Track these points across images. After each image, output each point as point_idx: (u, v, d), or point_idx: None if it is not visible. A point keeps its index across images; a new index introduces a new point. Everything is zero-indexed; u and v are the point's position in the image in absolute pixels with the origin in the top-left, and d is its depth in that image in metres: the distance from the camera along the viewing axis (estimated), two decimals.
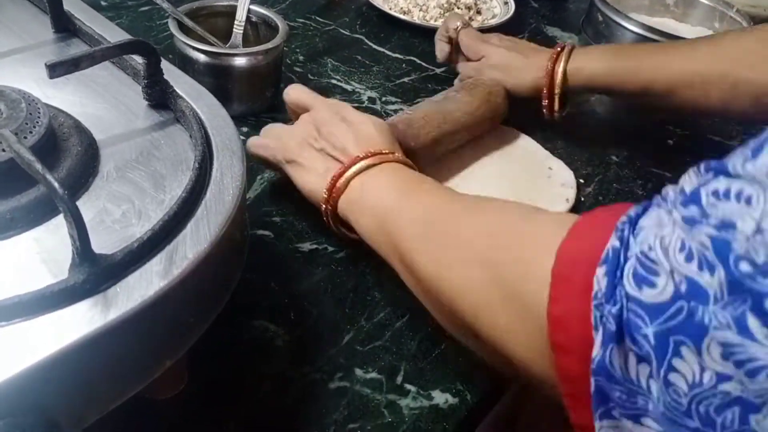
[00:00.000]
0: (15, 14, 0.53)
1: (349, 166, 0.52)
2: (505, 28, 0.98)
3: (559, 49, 0.71)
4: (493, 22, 0.99)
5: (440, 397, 0.48)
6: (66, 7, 0.51)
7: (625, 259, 0.29)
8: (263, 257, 0.56)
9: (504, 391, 0.54)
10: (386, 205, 0.49)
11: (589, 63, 0.70)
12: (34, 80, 0.45)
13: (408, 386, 0.48)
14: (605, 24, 0.95)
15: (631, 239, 0.29)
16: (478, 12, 1.00)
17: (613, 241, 0.30)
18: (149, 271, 0.34)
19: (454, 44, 0.78)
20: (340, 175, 0.52)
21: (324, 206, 0.53)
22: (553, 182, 0.70)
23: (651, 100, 0.69)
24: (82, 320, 0.31)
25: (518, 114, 0.75)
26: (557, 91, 0.71)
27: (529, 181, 0.69)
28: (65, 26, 0.52)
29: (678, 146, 0.82)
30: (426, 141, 0.63)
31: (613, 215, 0.32)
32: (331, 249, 0.58)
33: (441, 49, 0.80)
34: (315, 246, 0.58)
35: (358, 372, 0.48)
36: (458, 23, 0.77)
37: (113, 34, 0.50)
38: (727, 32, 0.71)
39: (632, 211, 0.31)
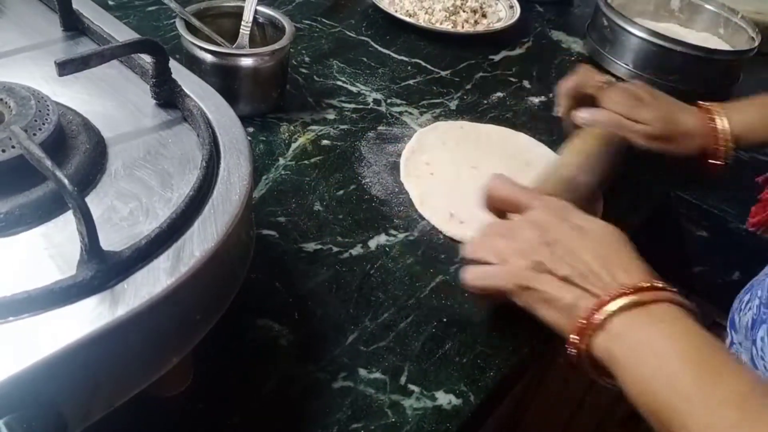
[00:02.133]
0: (24, 12, 0.53)
1: (609, 300, 0.43)
2: (510, 33, 0.99)
3: (710, 111, 0.70)
4: (498, 26, 0.99)
5: (444, 398, 0.48)
6: (75, 5, 0.52)
7: None
8: (268, 257, 0.56)
9: (507, 392, 0.54)
10: (670, 382, 0.39)
11: (749, 125, 0.70)
12: (43, 78, 0.45)
13: (412, 387, 0.48)
14: (610, 29, 0.95)
15: None
16: (484, 15, 1.01)
17: None
18: (157, 268, 0.34)
19: (580, 98, 0.71)
20: (597, 309, 0.43)
21: (576, 345, 0.44)
22: None
23: None
24: (89, 316, 0.31)
25: (527, 119, 0.75)
26: (725, 156, 0.70)
27: None
28: (74, 25, 0.52)
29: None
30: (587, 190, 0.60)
31: None
32: (335, 249, 0.58)
33: (567, 106, 0.71)
34: (320, 246, 0.58)
35: (362, 372, 0.48)
36: (599, 79, 0.71)
37: (122, 33, 0.50)
38: None
39: None
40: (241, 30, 0.72)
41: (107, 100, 0.46)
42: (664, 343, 0.41)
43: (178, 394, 0.44)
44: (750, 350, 0.56)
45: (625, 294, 0.43)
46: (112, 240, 0.35)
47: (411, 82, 0.84)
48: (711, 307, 0.86)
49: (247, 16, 0.72)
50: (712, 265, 0.80)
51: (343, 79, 0.82)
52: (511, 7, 1.04)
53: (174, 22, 0.71)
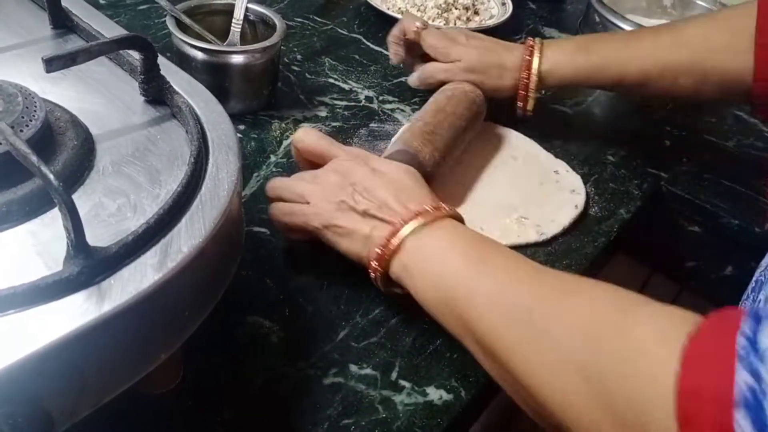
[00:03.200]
0: (13, 10, 0.53)
1: (401, 226, 0.48)
2: (503, 29, 0.98)
3: (530, 48, 0.71)
4: (491, 22, 0.99)
5: (435, 394, 0.48)
6: (64, 3, 0.51)
7: (763, 395, 0.27)
8: (259, 254, 0.56)
9: (499, 387, 0.54)
10: (453, 274, 0.45)
11: (560, 64, 0.70)
12: (31, 76, 0.45)
13: (403, 382, 0.48)
14: (602, 25, 0.95)
15: (761, 368, 0.27)
16: (476, 12, 1.01)
17: (743, 376, 0.28)
18: (144, 264, 0.34)
19: (409, 46, 0.77)
20: (392, 235, 0.48)
21: (374, 272, 0.49)
22: (561, 187, 0.69)
23: (623, 90, 0.76)
24: (76, 312, 0.31)
25: (512, 113, 0.75)
26: (532, 94, 0.72)
27: (538, 187, 0.69)
28: (63, 23, 0.52)
29: (674, 147, 0.82)
30: (436, 161, 0.62)
31: (724, 335, 0.30)
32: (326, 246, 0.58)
33: (395, 52, 0.78)
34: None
35: (353, 368, 0.48)
36: (417, 24, 0.75)
37: (111, 30, 0.50)
38: (686, 20, 0.71)
39: (745, 327, 0.30)
40: (232, 27, 0.72)
41: (96, 97, 0.46)
42: (445, 246, 0.47)
43: (167, 391, 0.44)
44: None
45: (413, 218, 0.48)
46: (100, 236, 0.35)
47: (403, 79, 0.84)
48: (704, 302, 0.87)
49: (238, 14, 0.72)
50: (704, 260, 0.80)
51: (335, 76, 0.82)
52: (504, 3, 1.04)
53: (165, 20, 0.71)
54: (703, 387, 0.29)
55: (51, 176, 0.31)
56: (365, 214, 0.50)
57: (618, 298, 0.39)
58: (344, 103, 0.77)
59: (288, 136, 0.70)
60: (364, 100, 0.78)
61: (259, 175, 0.64)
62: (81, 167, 0.39)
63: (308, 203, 0.52)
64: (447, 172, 0.67)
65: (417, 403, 0.47)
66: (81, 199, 0.37)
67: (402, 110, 0.78)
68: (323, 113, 0.75)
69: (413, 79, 0.77)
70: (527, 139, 0.76)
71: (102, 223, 0.37)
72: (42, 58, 0.39)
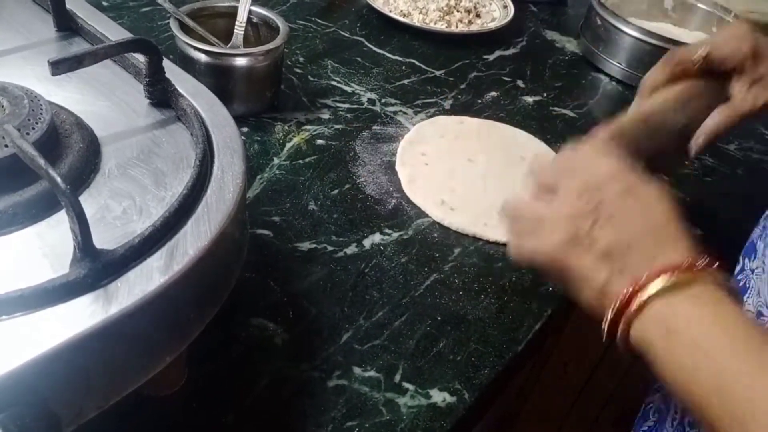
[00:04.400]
0: (18, 13, 0.53)
1: (647, 284, 0.38)
2: (504, 32, 0.99)
3: None
4: (493, 25, 0.99)
5: (438, 396, 0.48)
6: (68, 6, 0.52)
7: None
8: (262, 256, 0.56)
9: (502, 390, 0.54)
10: (717, 370, 0.35)
11: None
12: (37, 78, 0.45)
13: (406, 385, 0.48)
14: (603, 28, 0.95)
15: None
16: (478, 15, 1.01)
17: None
18: (150, 266, 0.34)
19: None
20: (634, 294, 0.38)
21: (619, 327, 0.39)
22: None
23: None
24: (82, 315, 0.31)
25: (521, 119, 0.76)
26: None
27: None
28: (68, 25, 0.52)
29: None
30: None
31: None
32: (330, 248, 0.58)
33: (655, 78, 0.57)
34: (314, 245, 0.58)
35: (357, 370, 0.48)
36: (701, 51, 0.56)
37: (115, 33, 0.50)
38: None
39: None
40: (235, 30, 0.73)
41: (101, 100, 0.46)
42: (701, 324, 0.37)
43: (172, 393, 0.44)
44: None
45: (664, 272, 0.38)
46: (106, 239, 0.35)
47: (405, 81, 0.84)
48: None
49: (241, 16, 0.72)
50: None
51: (337, 79, 0.82)
52: (505, 6, 1.04)
53: (168, 22, 0.71)
54: None
55: (58, 179, 0.32)
56: (603, 253, 0.40)
57: None
58: (347, 105, 0.77)
59: (291, 138, 0.70)
60: (366, 103, 0.78)
61: (262, 178, 0.64)
62: (87, 170, 0.39)
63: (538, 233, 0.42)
64: (461, 167, 0.68)
65: (420, 406, 0.47)
66: (87, 202, 0.37)
67: (404, 113, 0.78)
68: (326, 116, 0.75)
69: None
70: (538, 141, 0.76)
71: (108, 225, 0.37)
72: (48, 61, 0.39)
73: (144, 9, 0.88)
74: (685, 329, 0.37)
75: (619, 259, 0.39)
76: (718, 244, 0.76)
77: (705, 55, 0.55)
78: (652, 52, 0.91)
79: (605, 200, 0.41)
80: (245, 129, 0.70)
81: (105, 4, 0.87)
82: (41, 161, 0.32)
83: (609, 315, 0.39)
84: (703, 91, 0.56)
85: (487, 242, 0.62)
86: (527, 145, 0.76)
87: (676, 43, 0.90)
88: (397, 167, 0.68)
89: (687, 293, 0.37)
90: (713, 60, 0.55)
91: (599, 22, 0.96)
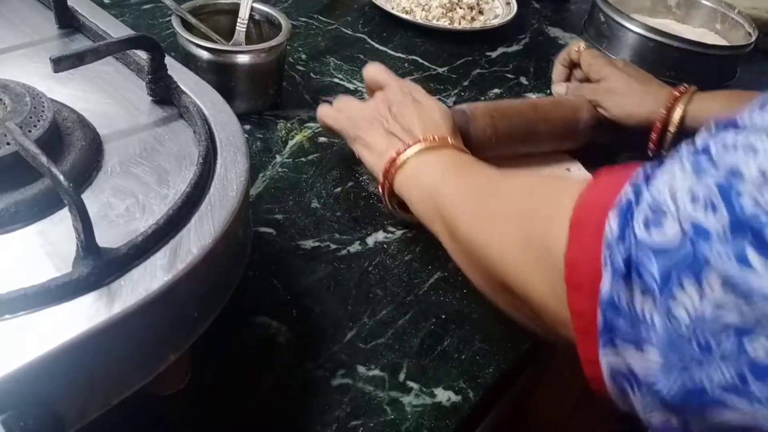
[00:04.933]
0: (19, 10, 0.53)
1: (409, 146, 0.54)
2: (507, 29, 0.98)
3: (682, 90, 0.70)
4: (495, 22, 0.99)
5: (443, 395, 0.48)
6: (70, 3, 0.51)
7: (637, 204, 0.31)
8: (266, 254, 0.56)
9: (507, 388, 0.54)
10: (437, 179, 0.51)
11: (710, 110, 0.69)
12: (39, 75, 0.45)
13: (411, 384, 0.48)
14: (607, 25, 0.95)
15: (644, 188, 0.31)
16: (480, 12, 1.00)
17: (626, 190, 0.32)
18: (153, 265, 0.34)
19: (572, 67, 0.81)
20: (399, 154, 0.54)
21: (381, 183, 0.56)
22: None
23: None
24: (86, 313, 0.31)
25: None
26: (672, 130, 0.70)
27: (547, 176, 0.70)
28: (69, 22, 0.52)
29: None
30: (483, 133, 0.65)
31: (630, 169, 0.34)
32: (333, 246, 0.58)
33: (558, 72, 0.82)
34: (317, 243, 0.57)
35: (361, 369, 0.48)
36: (581, 44, 0.78)
37: (117, 30, 0.50)
38: None
39: (648, 165, 0.33)
40: (237, 27, 0.72)
41: (103, 97, 0.46)
42: (439, 163, 0.53)
43: (175, 392, 0.44)
44: None
45: (420, 141, 0.54)
46: (109, 237, 0.35)
47: (408, 78, 0.84)
48: None
49: (244, 13, 0.72)
50: None
51: (340, 76, 0.82)
52: (508, 3, 1.04)
53: (170, 20, 0.70)
54: (597, 198, 0.34)
55: (61, 176, 0.31)
56: (389, 133, 0.57)
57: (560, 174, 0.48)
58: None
59: (293, 136, 0.70)
60: None
61: (265, 176, 0.64)
62: (89, 167, 0.39)
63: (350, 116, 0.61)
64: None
65: (425, 405, 0.47)
66: (89, 200, 0.37)
67: None
68: None
69: (559, 90, 0.81)
70: None
71: (111, 223, 0.36)
72: (50, 58, 0.39)
73: (146, 6, 0.88)
74: (425, 172, 0.53)
75: (399, 135, 0.56)
76: None
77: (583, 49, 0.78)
78: (655, 48, 0.91)
79: (395, 103, 0.59)
80: (248, 126, 0.70)
81: (107, 1, 0.87)
82: (43, 159, 0.32)
83: (384, 169, 0.55)
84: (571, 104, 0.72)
85: None
86: None
87: (680, 39, 0.90)
88: None
89: (433, 152, 0.54)
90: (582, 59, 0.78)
91: (602, 19, 0.96)
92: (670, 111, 0.70)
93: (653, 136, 0.71)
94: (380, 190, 0.57)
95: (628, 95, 0.72)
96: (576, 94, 0.76)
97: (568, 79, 0.82)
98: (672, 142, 0.70)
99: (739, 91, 0.73)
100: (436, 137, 0.55)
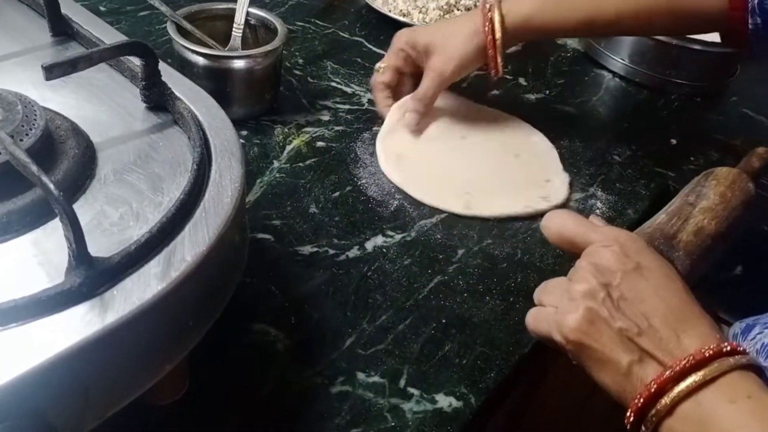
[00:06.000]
0: (13, 18, 0.52)
1: (672, 378, 0.37)
2: None
3: (488, 6, 0.67)
4: None
5: (444, 401, 0.47)
6: (64, 11, 0.51)
7: None
8: (263, 261, 0.55)
9: (509, 393, 0.53)
10: None
11: (527, 14, 0.67)
12: (32, 83, 0.44)
13: (411, 390, 0.47)
14: None
15: None
16: None
17: None
18: (147, 273, 0.33)
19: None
20: (661, 389, 0.37)
21: (633, 423, 0.39)
22: (538, 191, 0.68)
23: (591, 33, 0.78)
24: (78, 324, 0.30)
25: (523, 117, 0.75)
26: (498, 37, 0.67)
27: (522, 187, 0.68)
28: (63, 30, 0.51)
29: (681, 145, 0.81)
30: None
31: None
32: (331, 252, 0.57)
33: (384, 104, 0.73)
34: (315, 249, 0.57)
35: (360, 376, 0.48)
36: (380, 64, 0.73)
37: (112, 37, 0.50)
38: None
39: None
40: (233, 32, 0.72)
41: (97, 105, 0.45)
42: (733, 421, 0.36)
43: (173, 402, 0.43)
44: None
45: (690, 366, 0.37)
46: (102, 246, 0.34)
47: None
48: (713, 303, 0.86)
49: (239, 18, 0.72)
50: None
51: (337, 80, 0.81)
52: None
53: (165, 26, 0.70)
54: None
55: (51, 186, 0.31)
56: (623, 336, 0.39)
57: None
58: (347, 106, 0.76)
59: (291, 141, 0.69)
60: (367, 104, 0.77)
61: (263, 181, 0.63)
62: (82, 176, 0.39)
63: (556, 309, 0.42)
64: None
65: (426, 411, 0.46)
66: (82, 208, 0.37)
67: None
68: (326, 117, 0.74)
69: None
70: (543, 136, 0.76)
71: (104, 232, 0.36)
72: (42, 66, 0.39)
73: (141, 14, 0.87)
74: (712, 425, 0.36)
75: (639, 341, 0.39)
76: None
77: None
78: (654, 47, 0.90)
79: (614, 280, 0.41)
80: (245, 132, 0.69)
81: (102, 9, 0.87)
82: (34, 168, 0.32)
83: (637, 403, 0.38)
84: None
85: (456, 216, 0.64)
86: (526, 134, 0.76)
87: (679, 38, 0.89)
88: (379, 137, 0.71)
89: (718, 387, 0.37)
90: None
91: None
92: (492, 27, 0.67)
93: (491, 62, 0.69)
94: (631, 423, 0.39)
95: (447, 43, 0.68)
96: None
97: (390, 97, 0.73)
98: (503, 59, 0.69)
99: None
100: (707, 351, 0.37)
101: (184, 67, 0.67)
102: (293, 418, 0.45)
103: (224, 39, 0.73)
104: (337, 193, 0.64)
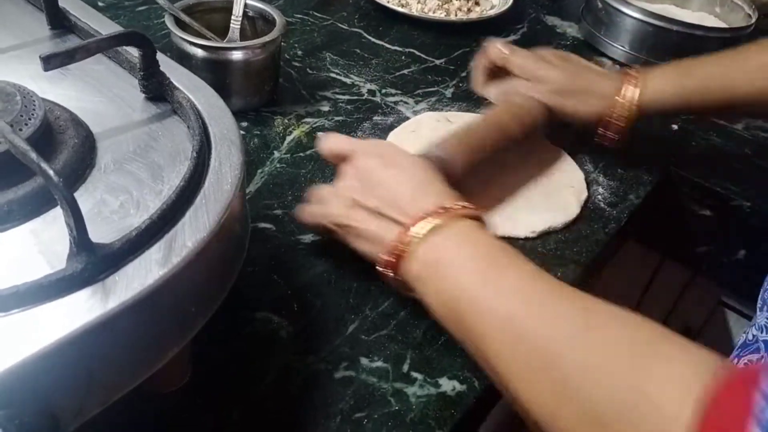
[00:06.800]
0: (10, 12, 0.52)
1: (409, 228, 0.45)
2: (504, 19, 0.98)
3: (631, 78, 0.66)
4: (492, 12, 0.98)
5: (447, 385, 0.47)
6: (61, 4, 0.51)
7: None
8: (265, 250, 0.55)
9: None
10: (463, 288, 0.42)
11: (664, 93, 0.66)
12: (30, 76, 0.44)
13: (414, 374, 0.47)
14: (605, 11, 0.94)
15: None
16: (477, 3, 1.00)
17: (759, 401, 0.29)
18: (148, 259, 0.33)
19: (493, 72, 0.72)
20: (401, 240, 0.45)
21: (385, 278, 0.48)
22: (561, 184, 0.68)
23: (731, 111, 0.75)
24: (81, 309, 0.30)
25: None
26: (625, 124, 0.66)
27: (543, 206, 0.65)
28: (61, 23, 0.51)
29: (682, 130, 0.81)
30: (463, 172, 0.58)
31: (742, 393, 0.30)
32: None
33: (479, 81, 0.73)
34: (317, 237, 0.57)
35: (364, 361, 0.48)
36: (503, 48, 0.70)
37: (110, 30, 0.49)
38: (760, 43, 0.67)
39: (764, 384, 0.30)
40: (231, 24, 0.72)
41: (95, 96, 0.45)
42: (457, 255, 0.44)
43: (176, 389, 0.43)
44: None
45: (424, 218, 0.45)
46: (103, 233, 0.34)
47: (405, 71, 0.83)
48: (717, 287, 0.86)
49: (237, 10, 0.72)
50: (716, 244, 0.79)
51: (336, 71, 0.81)
52: None
53: (164, 20, 0.70)
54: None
55: (51, 172, 0.31)
56: (375, 212, 0.48)
57: (638, 332, 0.37)
58: (347, 97, 0.76)
59: (291, 132, 0.69)
60: (366, 94, 0.78)
61: (263, 172, 0.63)
62: (82, 165, 0.39)
63: (325, 203, 0.52)
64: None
65: (430, 395, 0.46)
66: (83, 197, 0.37)
67: (405, 102, 0.77)
68: (326, 108, 0.74)
69: (492, 93, 0.72)
70: (571, 162, 0.72)
71: (105, 220, 0.36)
72: (40, 56, 0.39)
73: (140, 8, 0.88)
74: (440, 266, 0.44)
75: (387, 212, 0.47)
76: (728, 224, 0.75)
77: (507, 54, 0.70)
78: (655, 33, 0.90)
79: (368, 175, 0.50)
80: (245, 123, 0.69)
81: (101, 4, 0.87)
82: (33, 155, 0.32)
83: (386, 261, 0.46)
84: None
85: None
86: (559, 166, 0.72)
87: (679, 23, 0.89)
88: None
89: (444, 232, 0.44)
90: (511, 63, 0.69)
91: (600, 5, 0.95)
92: (624, 105, 0.66)
93: (605, 131, 0.68)
94: (387, 282, 0.48)
95: (575, 96, 0.67)
96: (517, 96, 0.68)
97: (489, 81, 0.73)
98: (629, 129, 0.67)
99: (687, 62, 0.68)
100: (439, 207, 0.45)
101: (183, 59, 0.67)
102: (297, 404, 0.45)
103: (223, 31, 0.73)
104: None
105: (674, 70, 0.68)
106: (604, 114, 0.67)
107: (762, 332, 0.57)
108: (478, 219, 0.47)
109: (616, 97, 0.66)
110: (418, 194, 0.47)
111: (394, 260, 0.46)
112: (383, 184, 0.49)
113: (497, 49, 0.70)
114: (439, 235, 0.44)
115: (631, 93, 0.66)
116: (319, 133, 0.57)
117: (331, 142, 0.54)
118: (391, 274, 0.47)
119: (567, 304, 0.40)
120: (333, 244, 0.53)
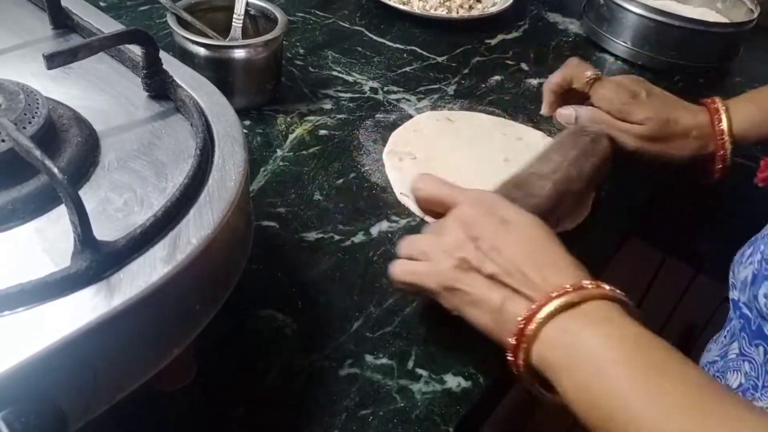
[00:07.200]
0: (13, 11, 0.52)
1: (540, 306, 0.40)
2: (506, 16, 0.98)
3: (715, 111, 0.65)
4: (494, 9, 0.98)
5: (453, 381, 0.47)
6: (64, 3, 0.51)
7: None
8: (269, 248, 0.55)
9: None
10: (617, 396, 0.37)
11: (755, 122, 0.64)
12: (33, 75, 0.44)
13: (420, 371, 0.47)
14: (607, 7, 0.94)
15: None
16: (478, 0, 1.00)
17: None
18: (153, 257, 0.33)
19: (566, 94, 0.68)
20: (529, 319, 0.40)
21: (512, 364, 0.42)
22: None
23: None
24: (85, 307, 0.30)
25: (526, 101, 0.74)
26: (729, 158, 0.65)
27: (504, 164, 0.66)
28: (63, 22, 0.51)
29: None
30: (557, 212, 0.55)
31: None
32: (337, 237, 0.57)
33: (552, 103, 0.69)
34: (321, 235, 0.57)
35: (369, 358, 0.48)
36: (589, 73, 0.66)
37: (112, 28, 0.50)
38: None
39: None
40: (233, 23, 0.72)
41: (99, 95, 0.45)
42: (597, 341, 0.38)
43: (181, 387, 0.43)
44: (749, 306, 0.54)
45: (555, 297, 0.40)
46: (107, 231, 0.34)
47: (407, 69, 0.83)
48: (720, 285, 0.85)
49: (239, 9, 0.71)
50: (720, 241, 0.79)
51: (338, 69, 0.81)
52: None
53: (166, 19, 0.70)
54: None
55: (55, 170, 0.31)
56: (492, 279, 0.43)
57: None
58: (349, 95, 0.76)
59: (294, 130, 0.69)
60: (368, 92, 0.77)
61: (266, 170, 0.63)
62: (86, 163, 0.39)
63: (428, 260, 0.46)
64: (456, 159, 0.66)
65: (435, 392, 0.46)
66: (87, 195, 0.37)
67: (407, 100, 0.77)
68: (328, 106, 0.74)
69: (565, 115, 0.67)
70: (534, 131, 0.74)
71: (109, 218, 0.36)
72: (43, 55, 0.39)
73: (142, 8, 0.88)
74: (579, 357, 0.39)
75: (508, 281, 0.42)
76: (732, 221, 0.75)
77: (593, 77, 0.65)
78: (657, 29, 0.90)
79: (481, 233, 0.44)
80: (247, 122, 0.69)
81: (102, 4, 0.87)
82: (37, 153, 0.32)
83: (512, 340, 0.41)
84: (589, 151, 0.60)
85: None
86: (521, 133, 0.74)
87: (681, 18, 0.89)
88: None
89: (578, 312, 0.40)
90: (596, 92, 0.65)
91: (602, 2, 0.95)
92: (718, 120, 0.64)
93: (709, 166, 0.66)
94: (511, 360, 0.42)
95: (669, 142, 0.64)
96: (596, 125, 0.64)
97: (560, 103, 0.69)
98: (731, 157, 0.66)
99: (754, 92, 0.67)
100: (570, 284, 0.40)
101: (185, 58, 0.67)
102: (302, 401, 0.45)
103: (225, 30, 0.72)
104: (341, 180, 0.64)
105: (751, 99, 0.67)
106: (700, 154, 0.65)
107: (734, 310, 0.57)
108: (615, 300, 0.41)
109: (716, 135, 0.64)
110: (545, 266, 0.42)
111: (521, 345, 0.41)
112: (500, 246, 0.43)
113: (582, 72, 0.66)
114: (570, 317, 0.40)
115: (724, 126, 0.64)
116: (415, 174, 0.51)
117: (430, 188, 0.49)
118: (520, 365, 0.41)
119: (733, 412, 0.35)
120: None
